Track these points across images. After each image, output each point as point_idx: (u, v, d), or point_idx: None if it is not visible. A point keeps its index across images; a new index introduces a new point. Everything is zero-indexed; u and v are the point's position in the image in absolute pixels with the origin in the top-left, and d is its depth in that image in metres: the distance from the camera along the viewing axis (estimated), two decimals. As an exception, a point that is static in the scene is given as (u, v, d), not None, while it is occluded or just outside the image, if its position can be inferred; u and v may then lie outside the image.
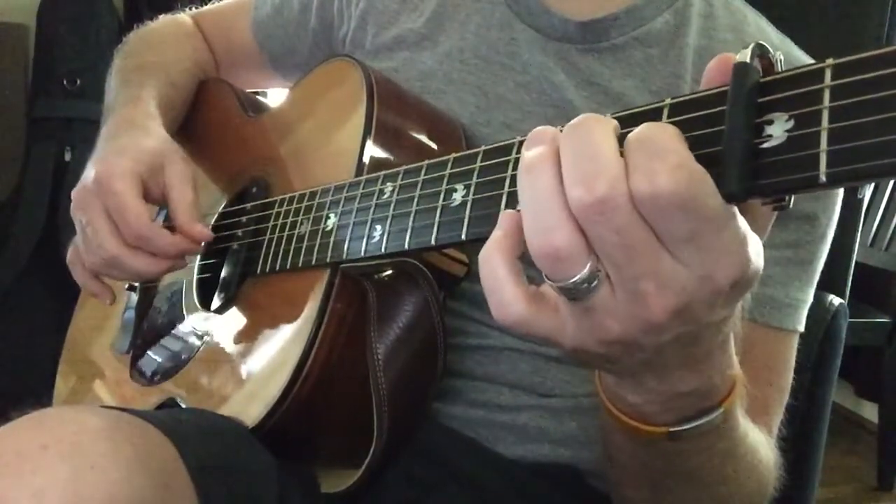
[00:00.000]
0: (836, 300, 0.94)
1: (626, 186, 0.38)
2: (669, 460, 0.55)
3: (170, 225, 0.75)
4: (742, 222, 0.39)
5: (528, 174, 0.41)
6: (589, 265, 0.40)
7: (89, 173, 0.75)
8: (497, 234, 0.43)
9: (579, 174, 0.39)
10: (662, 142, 0.38)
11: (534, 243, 0.40)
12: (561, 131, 0.41)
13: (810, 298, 0.76)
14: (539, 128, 0.43)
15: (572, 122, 0.41)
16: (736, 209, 0.39)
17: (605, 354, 0.44)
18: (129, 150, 0.77)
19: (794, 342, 0.75)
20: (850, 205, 0.94)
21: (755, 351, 0.71)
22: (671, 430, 0.50)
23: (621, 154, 0.39)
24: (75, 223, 0.78)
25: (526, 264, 0.43)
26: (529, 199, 0.41)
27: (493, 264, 0.43)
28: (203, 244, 0.76)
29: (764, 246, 0.71)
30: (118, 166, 0.74)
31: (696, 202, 0.37)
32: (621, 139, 0.40)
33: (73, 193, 0.76)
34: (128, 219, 0.72)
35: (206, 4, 1.07)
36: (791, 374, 0.74)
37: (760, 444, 0.62)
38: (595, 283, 0.40)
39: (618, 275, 0.40)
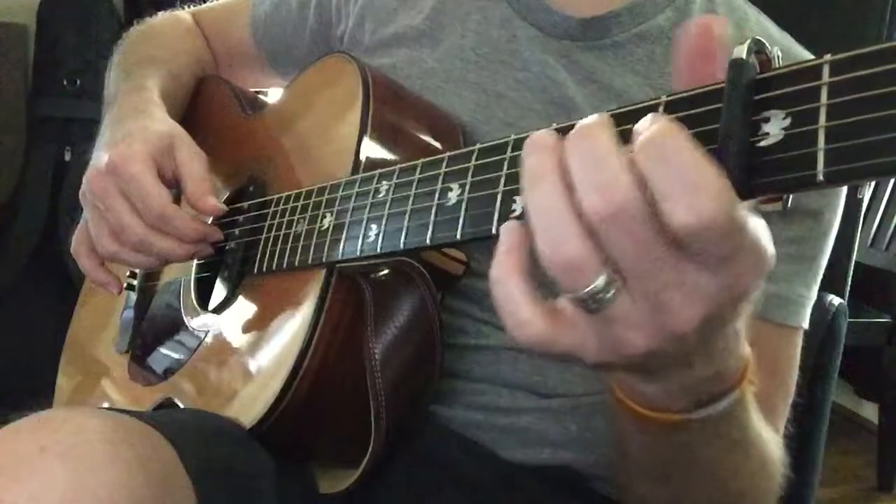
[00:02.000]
0: (836, 300, 0.94)
1: (640, 195, 0.36)
2: (681, 452, 0.54)
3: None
4: (755, 217, 0.38)
5: (534, 186, 0.40)
6: (604, 275, 0.38)
7: (101, 158, 0.74)
8: (502, 252, 0.42)
9: (592, 183, 0.38)
10: (691, 166, 0.36)
11: (545, 255, 0.39)
12: (557, 132, 0.41)
13: (814, 295, 0.75)
14: (535, 135, 0.41)
15: (576, 129, 0.39)
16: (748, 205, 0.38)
17: (630, 366, 0.42)
18: (139, 133, 0.76)
19: (800, 339, 0.74)
20: (850, 205, 0.94)
21: (760, 348, 0.69)
22: (684, 417, 0.48)
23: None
24: (86, 209, 0.77)
25: (540, 277, 0.41)
26: (537, 210, 0.40)
27: (507, 286, 0.41)
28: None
29: None
30: (132, 149, 0.73)
31: (734, 225, 0.36)
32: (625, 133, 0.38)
33: (86, 178, 0.75)
34: (150, 201, 0.71)
35: (206, 2, 1.07)
36: (796, 372, 0.74)
37: (771, 440, 0.61)
38: (612, 292, 0.38)
39: (638, 285, 0.38)
